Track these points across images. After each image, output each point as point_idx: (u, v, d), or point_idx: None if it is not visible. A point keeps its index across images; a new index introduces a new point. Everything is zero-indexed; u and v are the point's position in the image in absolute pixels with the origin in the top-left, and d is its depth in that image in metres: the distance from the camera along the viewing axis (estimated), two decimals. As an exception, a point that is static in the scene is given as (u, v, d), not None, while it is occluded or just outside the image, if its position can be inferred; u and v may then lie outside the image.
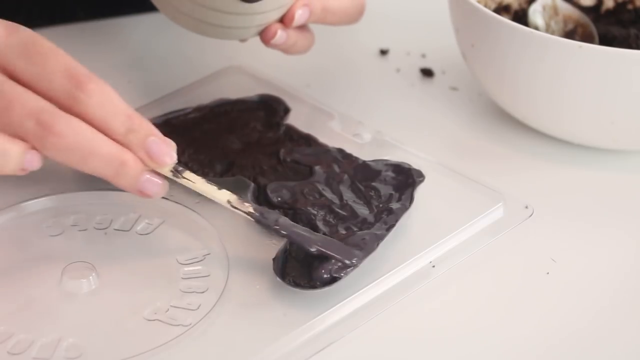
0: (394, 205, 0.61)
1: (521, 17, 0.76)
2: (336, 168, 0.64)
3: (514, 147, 0.71)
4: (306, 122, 0.69)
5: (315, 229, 0.59)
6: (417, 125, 0.73)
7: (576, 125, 0.69)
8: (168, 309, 0.55)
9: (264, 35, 0.65)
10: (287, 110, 0.69)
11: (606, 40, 0.74)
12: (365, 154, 0.66)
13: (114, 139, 0.54)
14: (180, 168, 0.56)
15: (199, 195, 0.58)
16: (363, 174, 0.64)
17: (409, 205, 0.62)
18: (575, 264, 0.62)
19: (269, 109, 0.70)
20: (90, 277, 0.56)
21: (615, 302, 0.59)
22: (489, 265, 0.61)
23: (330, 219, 0.60)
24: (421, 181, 0.63)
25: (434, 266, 0.60)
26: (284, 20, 0.64)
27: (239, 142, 0.66)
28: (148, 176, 0.55)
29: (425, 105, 0.76)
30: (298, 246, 0.57)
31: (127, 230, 0.61)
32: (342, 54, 0.82)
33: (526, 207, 0.63)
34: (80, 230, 0.61)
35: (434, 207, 0.63)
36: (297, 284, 0.56)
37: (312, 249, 0.56)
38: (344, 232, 0.59)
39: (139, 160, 0.54)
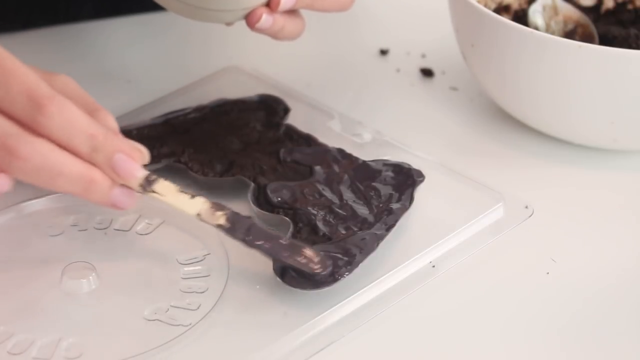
0: (394, 205, 0.61)
1: (521, 17, 0.76)
2: (336, 168, 0.64)
3: (514, 147, 0.71)
4: (306, 122, 0.69)
5: (315, 229, 0.59)
6: (417, 125, 0.73)
7: (576, 125, 0.69)
8: (168, 309, 0.55)
9: (249, 19, 0.63)
10: (287, 110, 0.69)
11: (606, 40, 0.73)
12: (365, 154, 0.66)
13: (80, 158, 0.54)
14: (153, 177, 0.56)
15: (202, 191, 0.58)
16: (363, 174, 0.64)
17: (409, 205, 0.62)
18: (575, 264, 0.62)
19: (269, 109, 0.70)
20: (90, 277, 0.56)
21: (616, 302, 0.59)
22: (489, 265, 0.61)
23: (330, 219, 0.60)
24: (421, 181, 0.63)
25: (434, 266, 0.60)
26: (270, 4, 0.63)
27: (239, 142, 0.66)
28: (118, 190, 0.55)
29: (425, 105, 0.76)
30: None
31: (127, 230, 0.61)
32: (342, 54, 0.82)
33: (526, 207, 0.63)
34: (80, 231, 0.61)
35: (434, 207, 0.63)
36: (297, 284, 0.56)
37: (279, 261, 0.56)
38: (343, 232, 0.59)
39: (107, 177, 0.54)
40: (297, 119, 0.69)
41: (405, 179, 0.63)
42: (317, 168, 0.64)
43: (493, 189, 0.64)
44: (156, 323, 0.55)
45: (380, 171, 0.64)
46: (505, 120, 0.73)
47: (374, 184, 0.63)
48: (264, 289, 0.57)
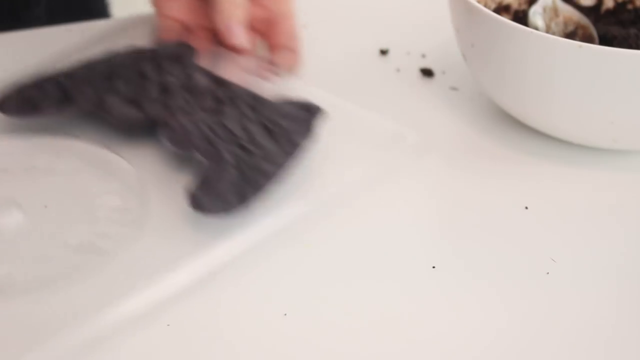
0: (297, 138, 0.65)
1: (521, 18, 0.76)
2: (245, 107, 0.67)
3: (513, 147, 0.71)
4: (217, 66, 0.71)
5: (224, 162, 0.62)
6: (417, 125, 0.73)
7: (576, 125, 0.69)
8: (90, 239, 0.58)
9: None
10: (198, 56, 0.72)
11: (606, 40, 0.73)
12: (275, 94, 0.68)
13: None
14: None
15: (119, 135, 0.65)
16: (270, 111, 0.66)
17: (311, 137, 0.65)
18: (575, 264, 0.62)
19: (182, 55, 0.71)
20: (16, 213, 0.59)
21: (616, 302, 0.59)
22: (488, 265, 0.61)
23: (239, 153, 0.63)
24: (321, 115, 0.67)
25: (434, 267, 0.60)
26: None
27: (152, 88, 0.68)
28: None
29: (425, 105, 0.76)
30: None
31: (50, 170, 0.63)
32: (342, 54, 0.82)
33: (526, 208, 0.63)
34: (1, 171, 0.63)
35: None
36: (207, 210, 0.59)
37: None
38: (251, 163, 0.62)
39: None
40: (209, 63, 0.71)
41: (309, 115, 0.67)
42: (227, 107, 0.66)
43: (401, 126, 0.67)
44: (80, 252, 0.57)
45: (286, 108, 0.67)
46: (505, 120, 0.73)
47: (279, 120, 0.66)
48: (180, 219, 0.60)
